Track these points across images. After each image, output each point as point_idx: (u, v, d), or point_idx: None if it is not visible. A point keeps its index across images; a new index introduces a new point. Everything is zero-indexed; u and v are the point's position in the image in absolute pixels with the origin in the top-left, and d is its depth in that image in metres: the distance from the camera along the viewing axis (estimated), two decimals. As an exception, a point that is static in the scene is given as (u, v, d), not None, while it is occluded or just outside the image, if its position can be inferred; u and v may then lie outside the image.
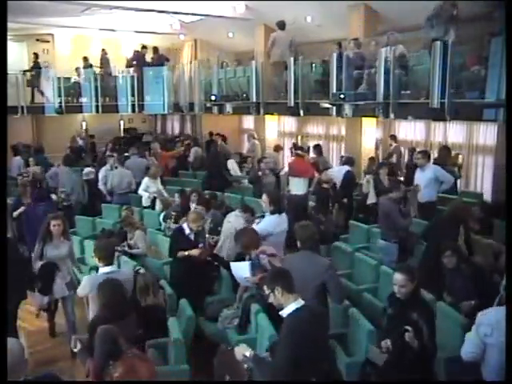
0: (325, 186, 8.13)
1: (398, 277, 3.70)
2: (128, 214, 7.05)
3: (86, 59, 14.59)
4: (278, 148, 12.27)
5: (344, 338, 4.72)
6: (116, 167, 9.76)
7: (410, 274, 3.70)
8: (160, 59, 13.77)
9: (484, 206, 7.32)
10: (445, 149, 9.32)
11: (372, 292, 5.64)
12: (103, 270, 4.48)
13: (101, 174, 9.77)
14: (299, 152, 9.93)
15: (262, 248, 4.90)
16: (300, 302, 3.23)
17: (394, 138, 11.34)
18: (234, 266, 5.12)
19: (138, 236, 6.65)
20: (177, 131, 18.34)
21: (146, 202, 8.98)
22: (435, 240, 5.58)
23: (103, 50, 14.70)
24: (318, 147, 10.84)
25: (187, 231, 5.66)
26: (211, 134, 14.19)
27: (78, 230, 8.53)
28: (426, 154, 7.85)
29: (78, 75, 14.23)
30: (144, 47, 14.09)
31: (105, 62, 14.42)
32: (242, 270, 4.95)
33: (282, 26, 10.29)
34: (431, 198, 7.49)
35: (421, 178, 7.48)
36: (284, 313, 3.24)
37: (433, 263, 5.33)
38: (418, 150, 9.71)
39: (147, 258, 6.68)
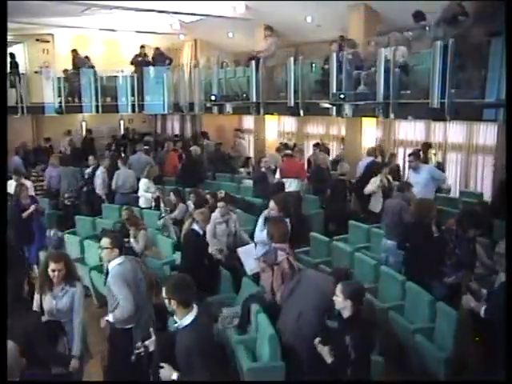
0: (341, 177, 8.76)
1: (338, 296, 3.52)
2: (132, 214, 7.03)
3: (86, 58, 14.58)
4: (279, 149, 12.24)
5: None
6: (119, 167, 9.78)
7: (352, 297, 3.48)
8: (160, 58, 13.78)
9: (484, 207, 7.34)
10: (425, 145, 9.78)
11: (372, 292, 5.64)
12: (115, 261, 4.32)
13: (100, 177, 9.82)
14: (289, 152, 9.94)
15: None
16: (194, 314, 3.25)
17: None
18: (242, 250, 5.12)
19: (142, 236, 6.66)
20: (177, 131, 18.34)
21: (147, 202, 8.95)
22: (414, 240, 5.65)
23: (74, 50, 14.52)
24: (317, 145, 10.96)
25: (200, 232, 5.66)
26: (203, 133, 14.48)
27: (77, 230, 8.54)
28: (417, 155, 7.88)
29: (66, 77, 14.18)
30: (142, 46, 14.12)
31: (78, 62, 14.31)
32: (250, 252, 4.97)
33: (271, 30, 10.62)
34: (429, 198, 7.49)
35: (416, 179, 7.46)
36: (180, 324, 3.28)
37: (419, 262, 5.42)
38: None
39: (147, 257, 6.67)
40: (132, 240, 6.54)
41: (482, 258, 5.39)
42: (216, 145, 13.02)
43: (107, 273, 4.44)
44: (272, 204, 5.54)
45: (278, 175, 8.84)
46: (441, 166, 9.42)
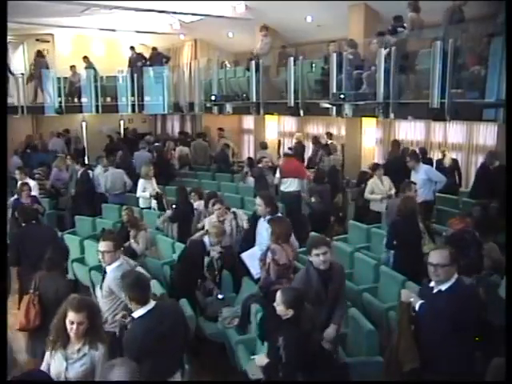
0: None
1: (279, 305, 3.49)
2: (132, 215, 7.03)
3: (86, 58, 14.58)
4: (316, 141, 12.07)
5: (344, 338, 4.72)
6: (107, 169, 9.80)
7: (293, 306, 3.44)
8: (157, 58, 13.79)
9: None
10: (395, 142, 10.24)
11: (372, 292, 5.64)
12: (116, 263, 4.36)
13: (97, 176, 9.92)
14: (288, 152, 9.91)
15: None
16: (147, 307, 3.45)
17: (329, 135, 12.03)
18: (246, 255, 5.13)
19: (142, 237, 6.65)
20: (177, 131, 18.34)
21: (145, 203, 8.95)
22: (401, 236, 5.73)
23: (38, 51, 14.41)
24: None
25: (208, 246, 5.62)
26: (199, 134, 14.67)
27: (77, 230, 8.54)
28: (414, 156, 7.88)
29: (73, 74, 14.17)
30: (132, 48, 14.32)
31: (37, 63, 14.20)
32: (254, 256, 4.98)
33: (266, 29, 10.79)
34: (427, 198, 7.51)
35: (415, 179, 7.46)
36: (132, 317, 3.52)
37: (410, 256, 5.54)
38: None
39: (147, 257, 6.67)
40: (132, 241, 6.54)
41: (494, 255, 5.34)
42: (223, 145, 13.04)
43: (103, 275, 4.43)
44: (258, 200, 5.54)
45: (278, 175, 8.82)
46: (455, 164, 9.44)
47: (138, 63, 13.90)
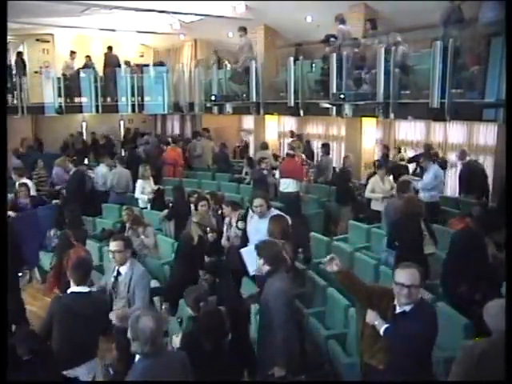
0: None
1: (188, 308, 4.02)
2: (134, 214, 7.03)
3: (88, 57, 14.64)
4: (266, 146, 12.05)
5: (344, 338, 4.72)
6: (115, 166, 9.80)
7: (193, 304, 3.93)
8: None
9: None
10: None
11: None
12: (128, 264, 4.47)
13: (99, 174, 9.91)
14: (290, 152, 9.89)
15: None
16: (78, 289, 3.89)
17: (292, 133, 12.64)
18: (245, 251, 5.13)
19: (150, 231, 6.70)
20: (177, 131, 18.34)
21: (144, 203, 8.94)
22: (402, 236, 5.64)
23: (19, 52, 14.45)
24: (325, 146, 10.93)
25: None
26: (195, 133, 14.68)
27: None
28: (427, 156, 7.94)
29: (66, 67, 14.20)
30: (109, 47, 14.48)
31: None
32: (252, 252, 4.98)
33: (244, 30, 10.83)
34: (433, 199, 7.52)
35: (425, 178, 7.63)
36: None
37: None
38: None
39: (147, 257, 6.68)
40: (142, 237, 6.56)
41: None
42: (220, 145, 13.03)
43: (117, 275, 4.45)
44: (259, 201, 5.52)
45: (277, 175, 8.80)
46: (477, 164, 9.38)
47: (113, 63, 14.13)
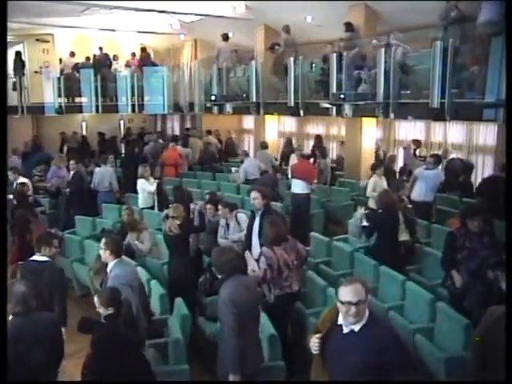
0: None
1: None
2: (131, 218, 7.02)
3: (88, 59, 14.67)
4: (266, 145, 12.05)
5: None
6: (99, 165, 9.97)
7: (111, 305, 3.76)
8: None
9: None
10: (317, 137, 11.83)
11: (371, 292, 5.63)
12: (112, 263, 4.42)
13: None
14: (304, 153, 9.89)
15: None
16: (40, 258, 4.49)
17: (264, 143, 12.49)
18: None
19: (146, 236, 6.70)
20: (177, 131, 18.34)
21: (144, 203, 8.94)
22: (384, 229, 6.05)
23: None
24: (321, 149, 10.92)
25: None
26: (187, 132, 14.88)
27: (77, 230, 8.53)
28: (438, 159, 8.06)
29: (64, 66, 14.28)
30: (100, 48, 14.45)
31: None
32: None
33: (225, 37, 11.17)
34: (427, 199, 7.71)
35: (426, 178, 7.69)
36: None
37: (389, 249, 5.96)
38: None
39: (147, 257, 6.67)
40: (136, 242, 6.56)
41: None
42: (204, 144, 13.00)
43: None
44: (254, 193, 5.53)
45: (289, 175, 8.90)
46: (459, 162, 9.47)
47: (105, 63, 14.23)
